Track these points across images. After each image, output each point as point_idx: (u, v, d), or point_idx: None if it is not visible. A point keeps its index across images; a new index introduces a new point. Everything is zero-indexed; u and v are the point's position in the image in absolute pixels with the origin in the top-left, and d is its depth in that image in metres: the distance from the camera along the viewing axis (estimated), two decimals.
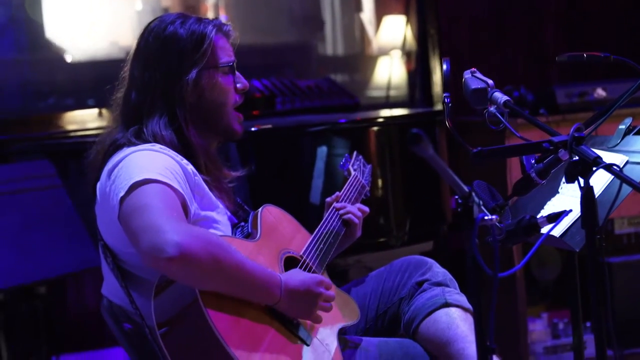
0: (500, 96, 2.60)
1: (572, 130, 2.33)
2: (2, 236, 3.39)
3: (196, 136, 2.64)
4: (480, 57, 5.46)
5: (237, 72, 2.70)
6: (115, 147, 2.57)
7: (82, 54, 5.08)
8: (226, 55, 2.68)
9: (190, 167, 2.55)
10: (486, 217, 2.10)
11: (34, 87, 5.08)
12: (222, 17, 5.65)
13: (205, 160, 2.65)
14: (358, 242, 3.05)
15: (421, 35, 5.44)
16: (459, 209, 2.10)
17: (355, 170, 3.13)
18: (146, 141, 2.56)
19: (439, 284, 2.82)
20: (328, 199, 2.96)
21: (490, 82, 2.64)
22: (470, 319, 2.75)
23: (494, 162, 4.21)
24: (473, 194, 2.08)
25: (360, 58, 5.92)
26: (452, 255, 4.47)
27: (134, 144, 2.54)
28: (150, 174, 2.39)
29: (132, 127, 2.59)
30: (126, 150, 2.52)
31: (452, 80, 2.69)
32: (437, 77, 5.42)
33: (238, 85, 2.70)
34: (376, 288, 2.91)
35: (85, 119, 4.82)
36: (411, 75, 5.58)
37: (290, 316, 2.48)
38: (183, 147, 2.60)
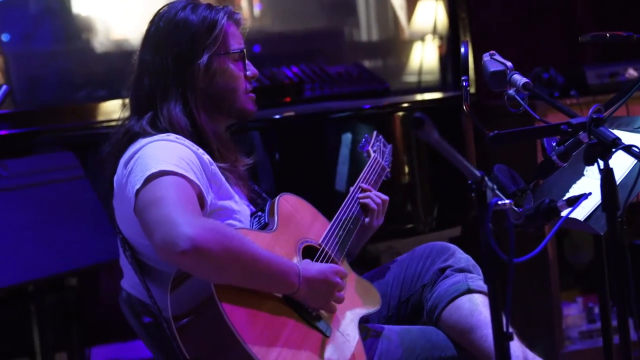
0: (519, 78, 2.55)
1: (590, 111, 2.29)
2: (29, 228, 3.39)
3: (207, 122, 2.62)
4: (511, 38, 5.39)
5: (247, 60, 2.69)
6: (130, 137, 2.56)
7: (116, 45, 5.08)
8: (236, 43, 2.67)
9: (206, 157, 2.53)
10: (500, 202, 2.06)
11: (69, 78, 5.11)
12: (257, 6, 5.65)
13: (218, 146, 2.64)
14: (387, 228, 3.00)
15: (452, 19, 5.39)
16: (472, 194, 2.07)
17: (374, 152, 3.08)
18: (162, 129, 2.54)
19: (461, 270, 2.79)
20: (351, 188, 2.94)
21: (509, 64, 2.59)
22: (499, 305, 2.71)
23: (522, 143, 4.16)
24: (486, 178, 2.04)
25: (391, 43, 5.88)
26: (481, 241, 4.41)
27: (149, 134, 2.53)
28: (166, 165, 2.38)
29: (147, 114, 2.58)
30: (142, 141, 2.51)
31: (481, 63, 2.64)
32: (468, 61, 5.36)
33: (248, 72, 2.69)
34: (398, 275, 2.88)
35: (117, 110, 4.82)
36: (443, 59, 5.53)
37: (307, 305, 2.46)
38: (197, 134, 2.58)
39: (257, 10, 5.68)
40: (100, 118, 4.74)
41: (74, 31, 5.14)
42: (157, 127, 2.55)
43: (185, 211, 2.27)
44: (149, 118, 2.57)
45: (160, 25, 2.64)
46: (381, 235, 3.18)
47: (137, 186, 2.37)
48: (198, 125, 2.59)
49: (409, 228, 4.00)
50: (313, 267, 2.47)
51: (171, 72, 2.59)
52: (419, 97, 4.95)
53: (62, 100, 5.00)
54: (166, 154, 2.43)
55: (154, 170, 2.37)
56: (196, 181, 2.41)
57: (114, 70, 5.05)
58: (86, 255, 3.54)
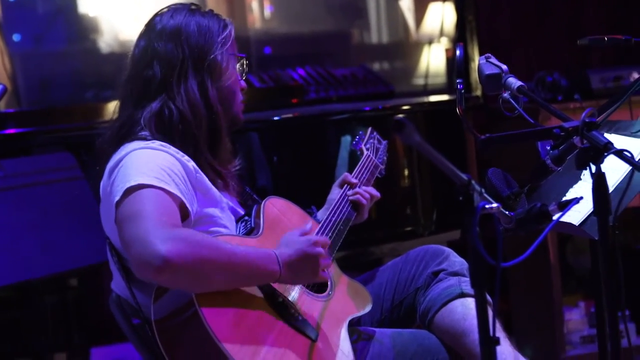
0: (514, 82, 2.54)
1: (583, 115, 2.27)
2: (26, 227, 3.40)
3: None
4: (519, 42, 5.38)
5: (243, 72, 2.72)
6: (119, 138, 2.53)
7: (124, 46, 5.08)
8: (239, 49, 2.70)
9: (191, 164, 2.50)
10: (487, 206, 2.04)
11: (77, 78, 5.12)
12: (268, 8, 5.66)
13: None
14: (387, 231, 2.98)
15: (460, 22, 5.38)
16: (460, 198, 2.06)
17: (367, 149, 3.06)
18: (166, 119, 2.53)
19: (455, 274, 2.77)
20: (336, 183, 2.93)
21: (504, 67, 2.58)
22: (486, 309, 2.69)
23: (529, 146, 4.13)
24: (473, 181, 2.03)
25: (399, 46, 5.88)
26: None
27: (136, 138, 2.50)
28: (144, 178, 2.35)
29: (153, 102, 2.55)
30: (127, 147, 2.48)
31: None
32: (475, 64, 5.34)
33: (241, 82, 2.71)
34: (392, 278, 2.86)
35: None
36: (450, 62, 5.52)
37: (298, 284, 2.48)
38: (210, 119, 2.59)
39: (268, 12, 5.68)
40: (105, 118, 4.74)
41: (83, 32, 5.15)
42: (162, 117, 2.53)
43: (158, 225, 2.24)
44: (156, 108, 2.54)
45: (176, 17, 2.61)
46: (380, 237, 3.13)
47: (117, 198, 2.35)
48: (213, 109, 2.59)
49: (409, 231, 3.98)
50: (290, 248, 2.42)
51: (188, 58, 2.57)
52: (421, 100, 4.93)
53: (70, 100, 5.01)
54: (147, 164, 2.40)
55: (133, 183, 2.34)
56: (177, 193, 2.38)
57: (122, 71, 5.07)
58: (85, 255, 3.53)
